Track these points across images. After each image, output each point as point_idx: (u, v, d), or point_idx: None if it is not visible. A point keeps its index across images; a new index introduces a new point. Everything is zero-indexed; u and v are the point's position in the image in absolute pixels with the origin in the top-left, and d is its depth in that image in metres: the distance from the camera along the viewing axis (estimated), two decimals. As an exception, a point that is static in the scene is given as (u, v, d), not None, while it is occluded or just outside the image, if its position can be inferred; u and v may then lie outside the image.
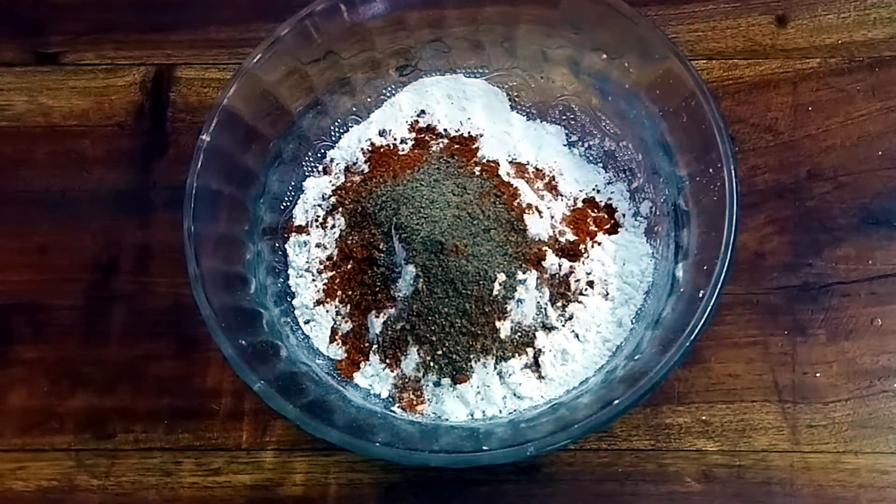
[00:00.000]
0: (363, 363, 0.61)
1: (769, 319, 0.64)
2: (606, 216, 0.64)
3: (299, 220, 0.65)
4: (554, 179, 0.65)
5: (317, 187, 0.66)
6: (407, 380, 0.60)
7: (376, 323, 0.61)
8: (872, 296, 0.65)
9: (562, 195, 0.64)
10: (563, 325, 0.61)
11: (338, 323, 0.62)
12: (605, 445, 0.63)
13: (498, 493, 0.62)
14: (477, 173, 0.62)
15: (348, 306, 0.62)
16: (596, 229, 0.63)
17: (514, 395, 0.59)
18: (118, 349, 0.66)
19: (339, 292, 0.62)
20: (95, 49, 0.73)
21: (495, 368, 0.59)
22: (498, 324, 0.59)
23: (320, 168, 0.67)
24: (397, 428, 0.57)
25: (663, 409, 0.63)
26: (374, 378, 0.61)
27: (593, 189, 0.65)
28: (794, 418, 0.63)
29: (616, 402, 0.53)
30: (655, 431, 0.63)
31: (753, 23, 0.71)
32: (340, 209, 0.63)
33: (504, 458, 0.52)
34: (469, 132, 0.66)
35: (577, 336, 0.61)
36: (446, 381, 0.59)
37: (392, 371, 0.61)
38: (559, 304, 0.61)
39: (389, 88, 0.67)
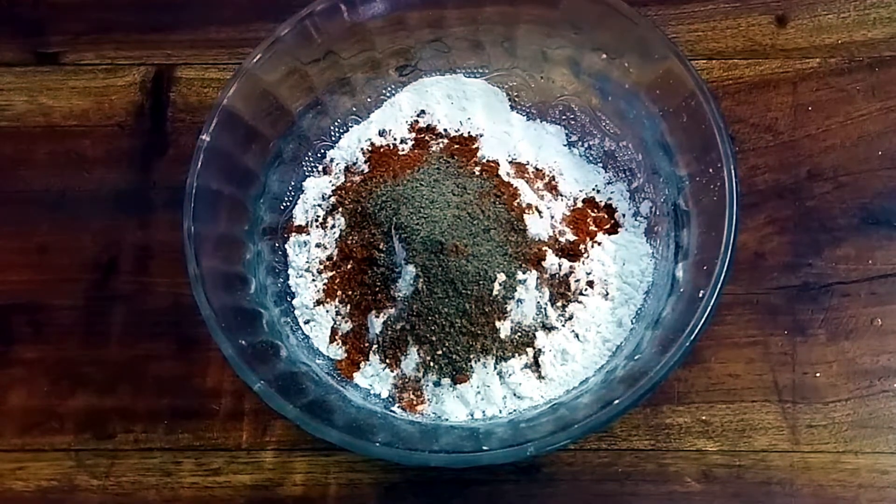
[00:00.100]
0: (363, 363, 0.61)
1: (769, 319, 0.64)
2: (606, 216, 0.64)
3: (299, 220, 0.65)
4: (554, 179, 0.65)
5: (317, 187, 0.66)
6: (407, 380, 0.60)
7: (376, 323, 0.61)
8: (872, 296, 0.65)
9: (562, 195, 0.64)
10: (563, 325, 0.61)
11: (338, 323, 0.62)
12: (605, 445, 0.63)
13: (498, 493, 0.62)
14: (477, 173, 0.62)
15: (348, 306, 0.62)
16: (596, 229, 0.63)
17: (514, 395, 0.59)
18: (118, 349, 0.66)
19: (339, 292, 0.62)
20: (95, 49, 0.73)
21: (495, 368, 0.59)
22: (498, 324, 0.59)
23: (320, 168, 0.67)
24: (397, 428, 0.57)
25: (663, 409, 0.63)
26: (374, 378, 0.61)
27: (593, 189, 0.65)
28: (794, 418, 0.63)
29: (616, 402, 0.53)
30: (655, 431, 0.63)
31: (753, 23, 0.71)
32: (340, 209, 0.63)
33: (504, 458, 0.52)
34: (469, 132, 0.66)
35: (577, 336, 0.61)
36: (446, 381, 0.59)
37: (392, 371, 0.61)
38: (559, 304, 0.61)
39: (389, 88, 0.67)
